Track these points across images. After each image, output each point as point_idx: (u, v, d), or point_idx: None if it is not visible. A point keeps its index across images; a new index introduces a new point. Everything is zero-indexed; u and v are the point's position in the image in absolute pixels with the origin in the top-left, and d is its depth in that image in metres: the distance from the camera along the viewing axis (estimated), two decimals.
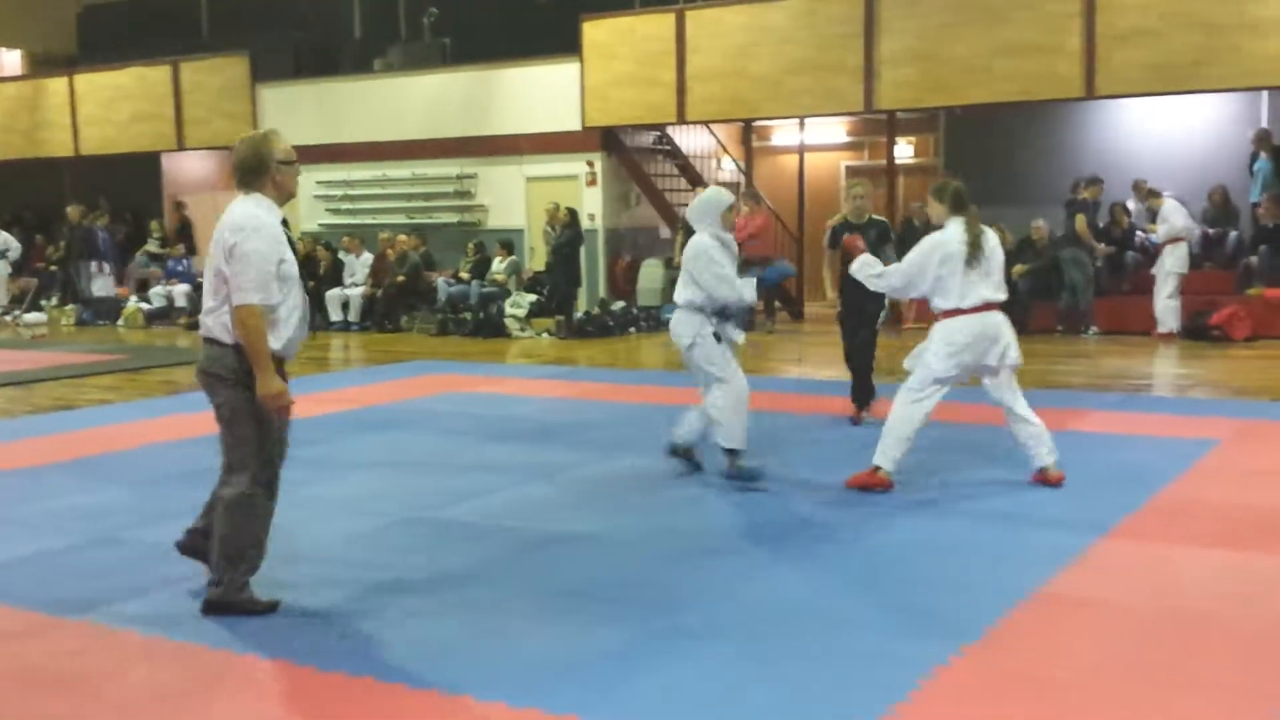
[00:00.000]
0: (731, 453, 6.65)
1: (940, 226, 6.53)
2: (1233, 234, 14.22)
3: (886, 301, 8.45)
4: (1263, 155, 14.02)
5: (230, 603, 4.66)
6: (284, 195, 4.84)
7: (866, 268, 6.72)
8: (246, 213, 4.67)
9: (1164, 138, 15.16)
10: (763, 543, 5.57)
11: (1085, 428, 8.21)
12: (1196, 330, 13.17)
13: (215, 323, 4.68)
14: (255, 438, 4.78)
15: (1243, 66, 12.83)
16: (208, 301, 4.72)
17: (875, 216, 8.58)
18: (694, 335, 6.59)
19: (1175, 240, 13.35)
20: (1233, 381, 10.42)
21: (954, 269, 6.33)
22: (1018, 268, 14.11)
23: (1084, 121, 15.52)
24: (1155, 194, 13.71)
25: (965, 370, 6.45)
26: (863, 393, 8.57)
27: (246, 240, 4.56)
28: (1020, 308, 14.03)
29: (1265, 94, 14.31)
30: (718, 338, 6.58)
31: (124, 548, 5.68)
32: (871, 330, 8.54)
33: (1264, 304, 13.18)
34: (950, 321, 6.38)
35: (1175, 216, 13.43)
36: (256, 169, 4.76)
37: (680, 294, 6.73)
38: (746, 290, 6.62)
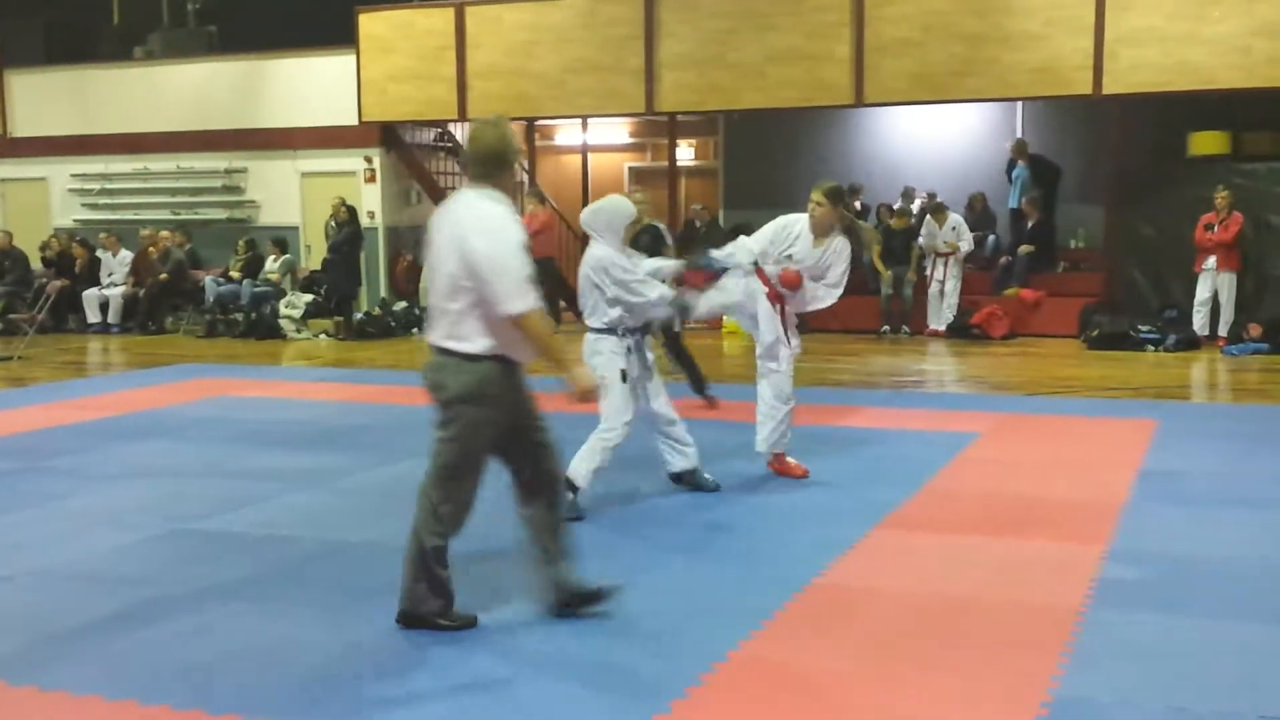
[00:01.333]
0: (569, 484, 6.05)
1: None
2: (990, 237, 15.00)
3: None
4: (1020, 163, 14.84)
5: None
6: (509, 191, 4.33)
7: None
8: (496, 213, 4.15)
9: (928, 145, 15.89)
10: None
11: (856, 423, 8.47)
12: (959, 329, 13.84)
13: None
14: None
15: (999, 78, 13.53)
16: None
17: (651, 221, 8.54)
18: (602, 372, 5.87)
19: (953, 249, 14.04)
20: (992, 377, 10.97)
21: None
22: None
23: (855, 128, 16.09)
24: (942, 208, 14.27)
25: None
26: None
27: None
28: None
29: (1020, 104, 15.17)
30: (624, 376, 6.03)
31: None
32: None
33: (1019, 303, 13.95)
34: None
35: (964, 229, 14.11)
36: (503, 159, 4.21)
37: (593, 318, 6.04)
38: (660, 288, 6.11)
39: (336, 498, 6.46)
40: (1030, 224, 14.34)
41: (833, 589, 4.82)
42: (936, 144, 15.86)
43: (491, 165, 4.21)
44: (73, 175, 17.61)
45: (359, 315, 15.04)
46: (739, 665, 4.02)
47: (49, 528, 5.88)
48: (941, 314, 14.15)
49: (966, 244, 14.13)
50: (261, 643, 4.29)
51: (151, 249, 15.97)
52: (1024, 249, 14.19)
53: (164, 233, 16.08)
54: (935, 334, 14.04)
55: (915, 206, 15.39)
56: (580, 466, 5.92)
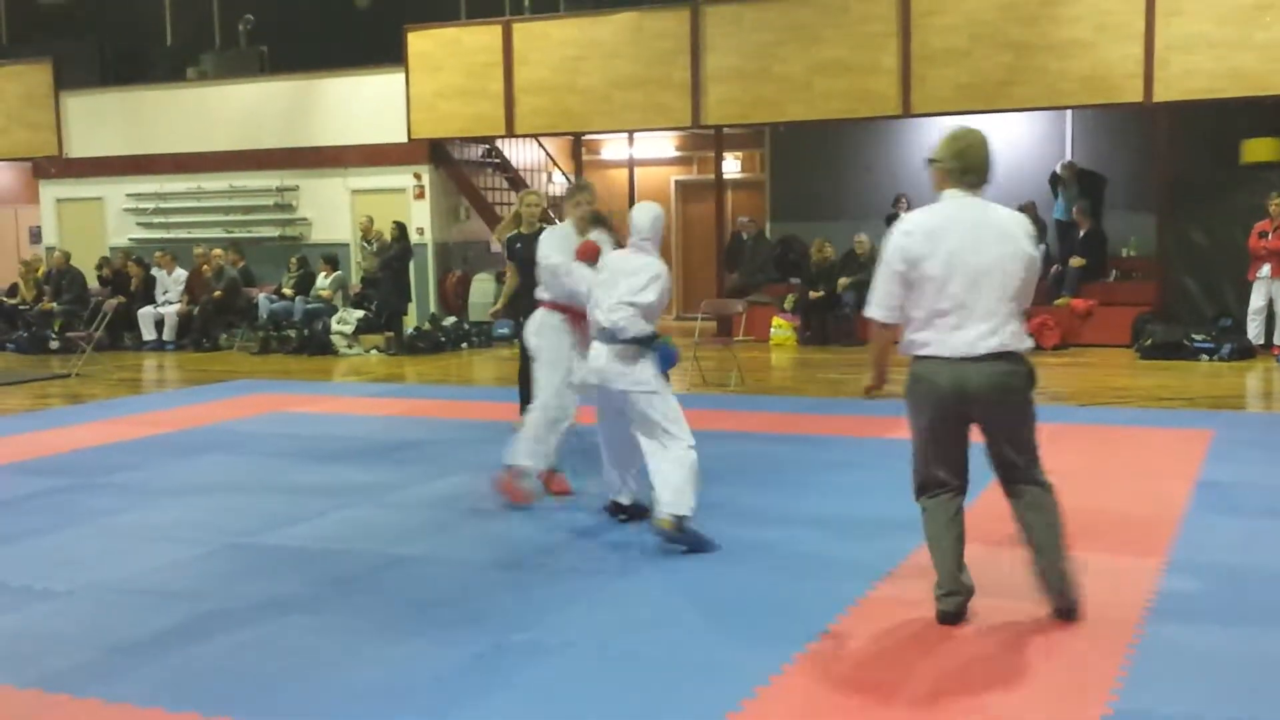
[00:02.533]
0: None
1: None
2: (1040, 247, 14.87)
3: None
4: (1068, 176, 14.72)
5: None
6: None
7: None
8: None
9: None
10: (596, 560, 5.50)
11: (905, 435, 8.40)
12: None
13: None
14: None
15: (1048, 86, 13.43)
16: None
17: (546, 227, 8.45)
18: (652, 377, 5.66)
19: None
20: (1044, 388, 10.83)
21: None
22: (842, 280, 14.49)
23: (901, 138, 16.02)
24: None
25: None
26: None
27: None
28: (846, 319, 14.43)
29: (1069, 113, 15.04)
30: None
31: None
32: None
33: (1070, 313, 13.81)
34: None
35: None
36: (988, 170, 4.46)
37: (634, 325, 5.61)
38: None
39: (390, 512, 6.51)
40: (1081, 233, 14.21)
41: (887, 601, 4.78)
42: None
43: (983, 175, 4.47)
44: (128, 195, 17.90)
45: (409, 331, 15.16)
46: (791, 681, 4.00)
47: (105, 543, 5.96)
48: None
49: None
50: (319, 656, 4.33)
51: (205, 267, 16.20)
52: (1075, 261, 14.05)
53: (216, 251, 16.30)
54: None
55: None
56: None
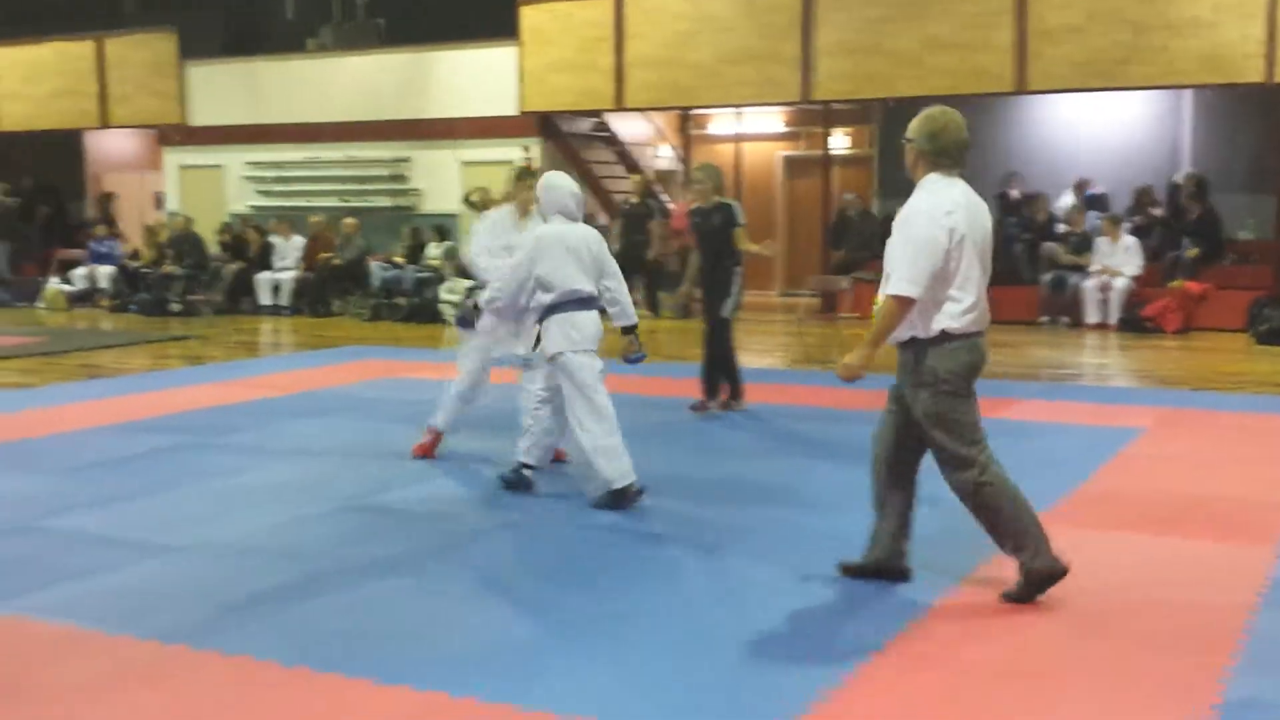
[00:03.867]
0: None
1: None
2: (1157, 229, 14.48)
3: (734, 291, 8.36)
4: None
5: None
6: None
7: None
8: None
9: (1088, 133, 15.42)
10: (693, 536, 5.55)
11: (1011, 415, 8.31)
12: (1130, 322, 13.39)
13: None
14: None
15: (1167, 65, 13.04)
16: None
17: (723, 200, 8.43)
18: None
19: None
20: (1157, 371, 10.61)
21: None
22: None
23: (1016, 116, 15.70)
24: (1117, 222, 13.84)
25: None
26: (719, 382, 8.48)
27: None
28: None
29: (1188, 92, 14.59)
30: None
31: (39, 537, 5.51)
32: (724, 318, 8.38)
33: (1184, 295, 13.43)
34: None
35: (1137, 252, 13.60)
36: (962, 153, 4.60)
37: (588, 284, 6.05)
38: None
39: (494, 479, 6.61)
40: (1193, 217, 13.80)
41: (991, 584, 4.73)
42: (1097, 132, 15.38)
43: (962, 157, 4.56)
44: (247, 163, 18.35)
45: None
46: (892, 658, 3.99)
47: (221, 502, 6.17)
48: (1105, 308, 13.69)
49: (1134, 269, 13.61)
50: (421, 618, 4.45)
51: (327, 232, 16.59)
52: (1190, 252, 13.66)
53: (347, 220, 16.63)
54: (1100, 326, 13.61)
55: (1066, 199, 14.97)
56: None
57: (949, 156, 4.49)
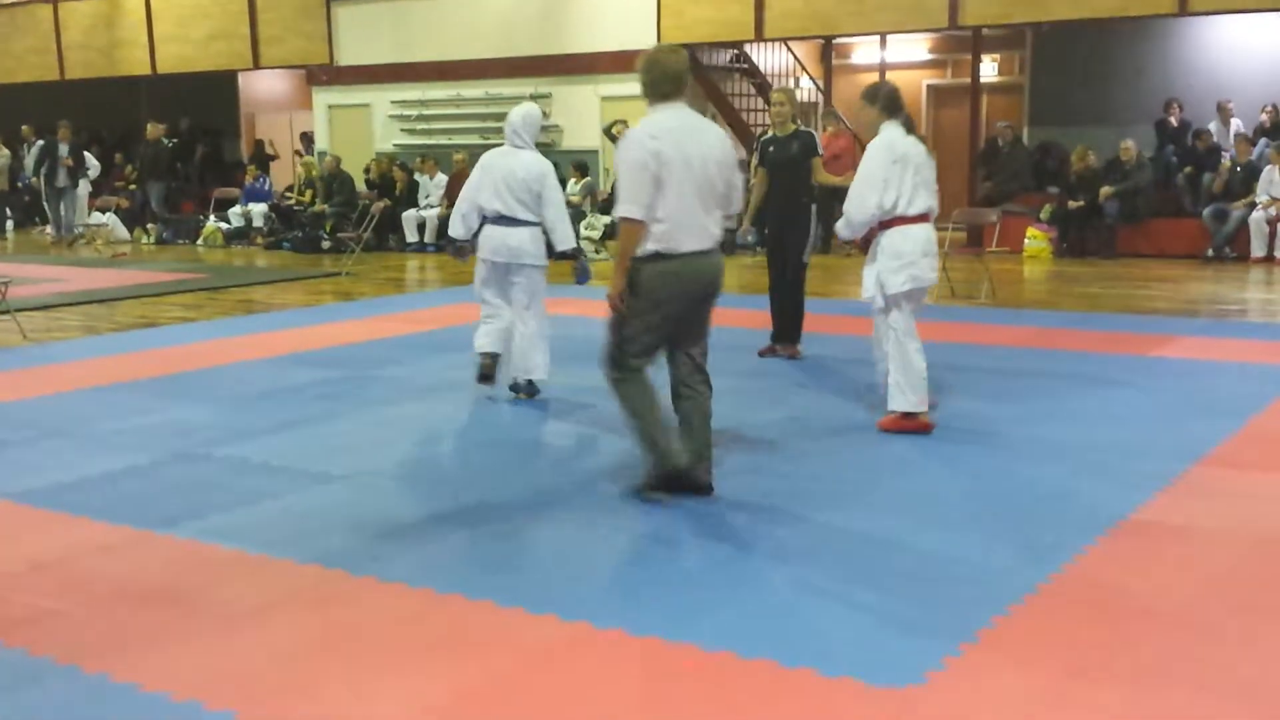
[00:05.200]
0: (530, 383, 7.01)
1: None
2: None
3: (813, 231, 8.02)
4: None
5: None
6: None
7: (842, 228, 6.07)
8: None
9: (1252, 57, 14.61)
10: (845, 472, 5.52)
11: (1172, 353, 8.02)
12: None
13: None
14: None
15: None
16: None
17: (802, 128, 8.04)
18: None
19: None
20: None
21: (902, 173, 5.82)
22: (1104, 189, 13.77)
23: (1177, 40, 14.98)
24: None
25: (917, 285, 5.91)
26: (782, 330, 8.11)
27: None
28: (1108, 230, 13.75)
29: None
30: None
31: (209, 464, 5.75)
32: (797, 260, 7.98)
33: None
34: (895, 231, 5.87)
35: None
36: (669, 83, 4.88)
37: (525, 213, 6.98)
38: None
39: None
40: None
41: (1149, 527, 4.60)
42: (1262, 56, 14.56)
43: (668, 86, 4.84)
44: (392, 102, 18.65)
45: None
46: (1046, 603, 3.91)
47: (377, 432, 6.35)
48: (1273, 241, 13.06)
49: None
50: (575, 549, 4.51)
51: (469, 170, 16.75)
52: None
53: None
54: (1267, 260, 12.99)
55: (1235, 126, 14.25)
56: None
57: (662, 88, 4.82)
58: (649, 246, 4.72)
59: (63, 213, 18.99)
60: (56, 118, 19.35)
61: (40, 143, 18.98)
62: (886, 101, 5.96)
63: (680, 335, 4.93)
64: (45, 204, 19.29)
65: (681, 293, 4.81)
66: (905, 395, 5.96)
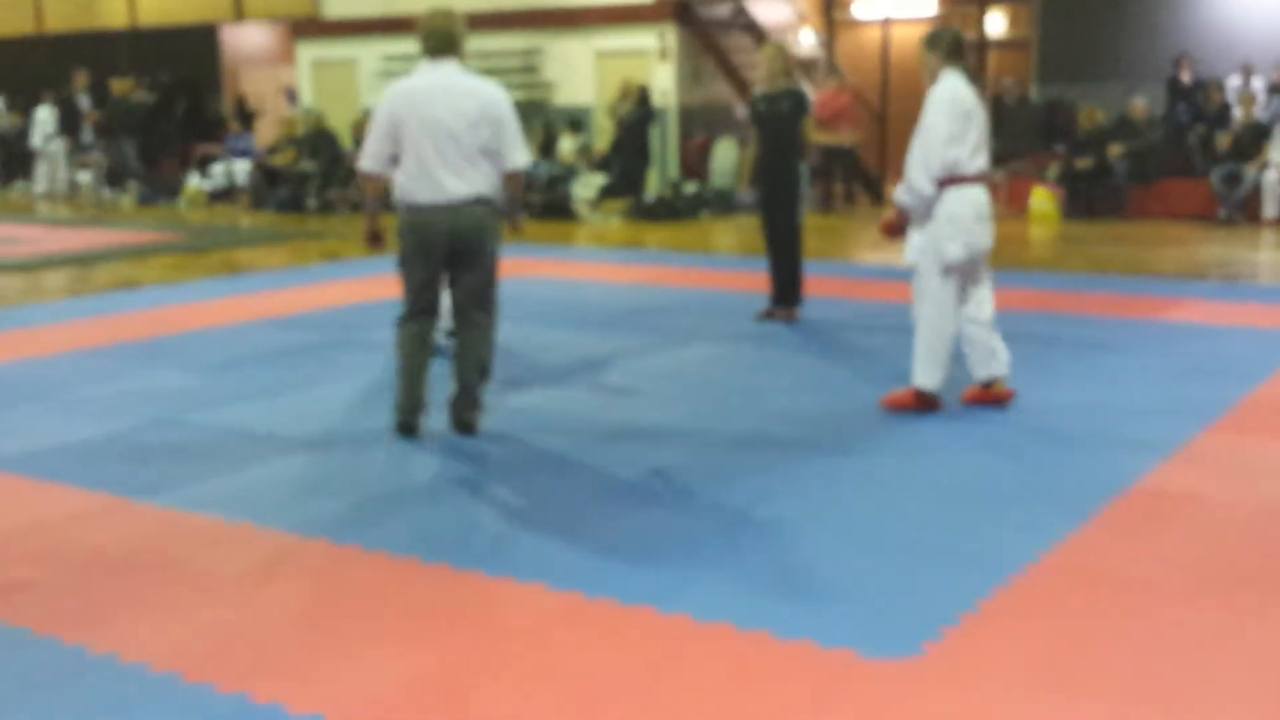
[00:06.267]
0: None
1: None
2: None
3: (804, 190, 7.68)
4: None
5: None
6: None
7: (900, 193, 5.52)
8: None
9: (1269, 12, 14.27)
10: (844, 438, 5.26)
11: (1180, 317, 7.76)
12: None
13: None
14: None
15: None
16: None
17: (794, 85, 7.71)
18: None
19: None
20: None
21: (965, 126, 5.32)
22: (1114, 148, 13.43)
23: None
24: None
25: (973, 253, 5.47)
26: (780, 290, 7.78)
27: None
28: (1116, 191, 13.42)
29: None
30: None
31: (189, 430, 5.52)
32: (789, 221, 7.66)
33: None
34: (952, 193, 5.38)
35: None
36: (438, 40, 5.24)
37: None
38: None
39: (635, 379, 6.41)
40: None
41: (1156, 494, 4.42)
42: (1276, 11, 14.22)
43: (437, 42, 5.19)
44: (381, 57, 18.23)
45: (649, 197, 14.98)
46: (1049, 570, 3.75)
47: (362, 398, 6.10)
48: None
49: None
50: (565, 516, 4.34)
51: None
52: None
53: None
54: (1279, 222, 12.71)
55: (1259, 86, 13.90)
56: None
57: (428, 44, 5.18)
58: (397, 198, 5.10)
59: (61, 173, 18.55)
60: (32, 73, 18.85)
61: (45, 106, 18.37)
62: (950, 47, 5.49)
63: (453, 281, 5.17)
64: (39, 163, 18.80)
65: (420, 243, 5.05)
66: (929, 371, 5.52)
